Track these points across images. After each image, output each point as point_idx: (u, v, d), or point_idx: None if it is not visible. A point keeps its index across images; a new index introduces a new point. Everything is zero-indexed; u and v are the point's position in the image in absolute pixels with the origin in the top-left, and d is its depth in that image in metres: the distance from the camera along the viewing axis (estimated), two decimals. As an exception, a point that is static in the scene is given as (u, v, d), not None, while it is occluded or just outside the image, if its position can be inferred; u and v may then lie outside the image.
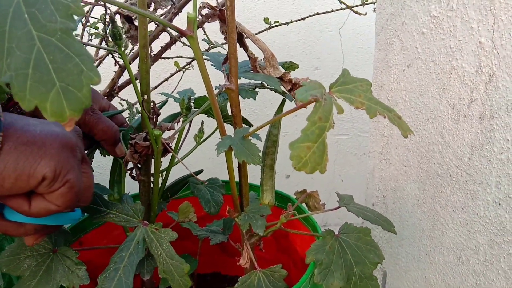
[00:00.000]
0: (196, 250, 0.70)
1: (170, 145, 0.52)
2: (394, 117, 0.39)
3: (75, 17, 0.28)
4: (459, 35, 0.57)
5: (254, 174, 0.66)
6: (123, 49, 0.50)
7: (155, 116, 0.53)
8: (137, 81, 0.56)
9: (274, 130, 0.58)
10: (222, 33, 0.58)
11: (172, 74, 0.95)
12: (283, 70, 0.54)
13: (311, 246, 0.49)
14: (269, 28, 0.93)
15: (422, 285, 0.69)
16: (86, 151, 0.58)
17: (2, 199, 0.39)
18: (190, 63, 0.93)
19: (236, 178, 0.55)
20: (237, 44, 0.57)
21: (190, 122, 0.67)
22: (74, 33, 0.28)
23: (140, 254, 0.47)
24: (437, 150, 0.63)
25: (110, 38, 0.50)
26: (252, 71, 0.56)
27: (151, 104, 0.52)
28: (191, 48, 0.45)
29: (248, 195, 0.55)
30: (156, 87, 0.93)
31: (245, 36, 0.56)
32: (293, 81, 0.53)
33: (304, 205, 0.66)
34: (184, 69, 0.98)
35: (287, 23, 0.94)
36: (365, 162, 0.95)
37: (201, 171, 0.68)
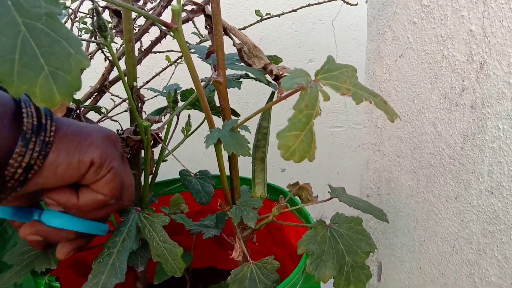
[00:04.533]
0: (190, 245, 0.69)
1: (159, 135, 0.52)
2: (380, 102, 0.39)
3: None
4: (450, 23, 0.57)
5: (247, 168, 0.66)
6: (109, 41, 0.49)
7: (140, 104, 0.53)
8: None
9: (264, 122, 0.58)
10: (206, 27, 0.58)
11: (164, 69, 0.94)
12: (267, 61, 0.54)
13: (303, 237, 0.48)
14: (261, 20, 0.92)
15: (417, 276, 0.70)
16: None
17: (51, 195, 0.41)
18: (181, 57, 0.93)
19: (227, 171, 0.54)
20: (224, 35, 0.56)
21: (178, 116, 0.66)
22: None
23: (133, 240, 0.47)
24: (429, 140, 0.63)
25: (96, 31, 0.49)
26: (237, 64, 0.55)
27: (136, 91, 0.52)
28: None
29: (239, 188, 0.55)
30: (148, 81, 0.92)
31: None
32: (273, 72, 0.53)
33: (297, 197, 0.65)
34: (176, 64, 0.97)
35: (278, 15, 0.93)
36: (360, 154, 0.95)
37: None
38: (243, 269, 0.50)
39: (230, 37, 0.58)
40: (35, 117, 0.36)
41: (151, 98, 0.87)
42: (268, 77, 0.60)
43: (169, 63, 0.93)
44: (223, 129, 0.48)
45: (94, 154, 0.39)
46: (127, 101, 0.58)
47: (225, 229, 0.67)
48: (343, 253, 0.50)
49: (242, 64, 0.56)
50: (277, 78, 0.54)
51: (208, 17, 0.52)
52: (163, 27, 0.79)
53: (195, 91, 0.60)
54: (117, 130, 0.53)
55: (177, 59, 0.92)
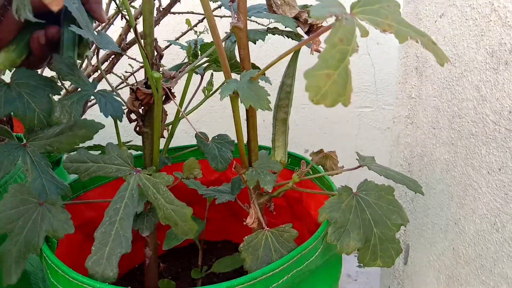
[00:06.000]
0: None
1: (172, 91, 0.47)
2: (428, 42, 0.33)
3: None
4: (502, -30, 0.50)
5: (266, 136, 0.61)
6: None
7: (158, 59, 0.48)
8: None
9: (288, 80, 0.52)
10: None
11: (183, 33, 0.89)
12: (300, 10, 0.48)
13: (325, 203, 0.43)
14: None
15: (449, 258, 0.63)
16: None
17: None
18: (202, 20, 0.88)
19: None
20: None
21: (202, 76, 0.62)
22: None
23: (136, 204, 0.42)
24: (471, 106, 0.56)
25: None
26: (264, 12, 0.50)
27: (154, 43, 0.47)
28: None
29: (257, 149, 0.50)
30: (166, 47, 0.87)
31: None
32: (309, 21, 0.47)
33: (320, 167, 0.60)
34: (197, 32, 0.92)
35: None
36: (389, 137, 0.88)
37: None
38: (257, 236, 0.45)
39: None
40: None
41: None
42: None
43: (189, 27, 0.88)
44: (241, 80, 0.43)
45: None
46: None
47: (242, 199, 0.62)
48: (370, 224, 0.44)
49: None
50: (310, 30, 0.49)
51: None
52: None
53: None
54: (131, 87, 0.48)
55: (197, 23, 0.87)
